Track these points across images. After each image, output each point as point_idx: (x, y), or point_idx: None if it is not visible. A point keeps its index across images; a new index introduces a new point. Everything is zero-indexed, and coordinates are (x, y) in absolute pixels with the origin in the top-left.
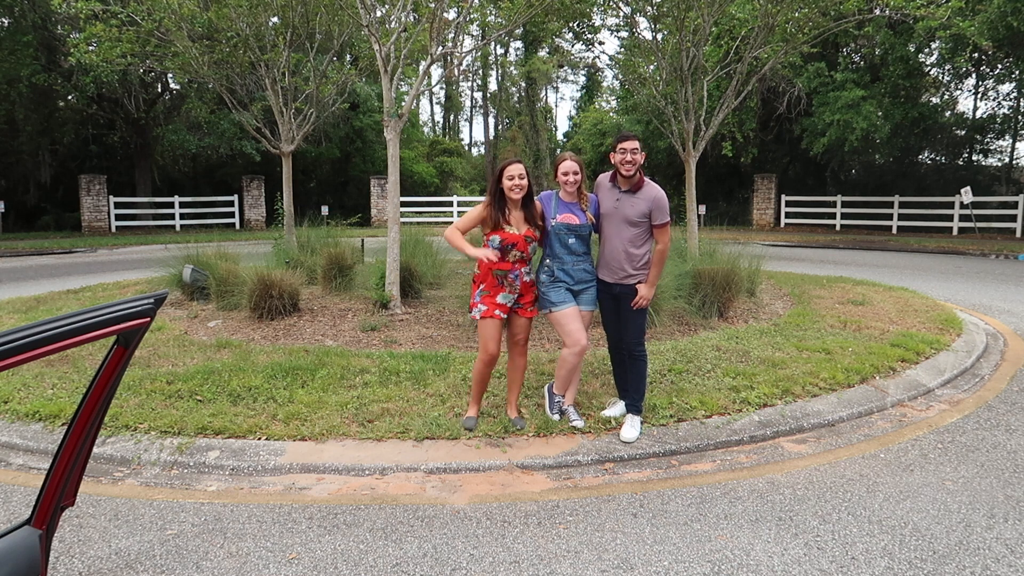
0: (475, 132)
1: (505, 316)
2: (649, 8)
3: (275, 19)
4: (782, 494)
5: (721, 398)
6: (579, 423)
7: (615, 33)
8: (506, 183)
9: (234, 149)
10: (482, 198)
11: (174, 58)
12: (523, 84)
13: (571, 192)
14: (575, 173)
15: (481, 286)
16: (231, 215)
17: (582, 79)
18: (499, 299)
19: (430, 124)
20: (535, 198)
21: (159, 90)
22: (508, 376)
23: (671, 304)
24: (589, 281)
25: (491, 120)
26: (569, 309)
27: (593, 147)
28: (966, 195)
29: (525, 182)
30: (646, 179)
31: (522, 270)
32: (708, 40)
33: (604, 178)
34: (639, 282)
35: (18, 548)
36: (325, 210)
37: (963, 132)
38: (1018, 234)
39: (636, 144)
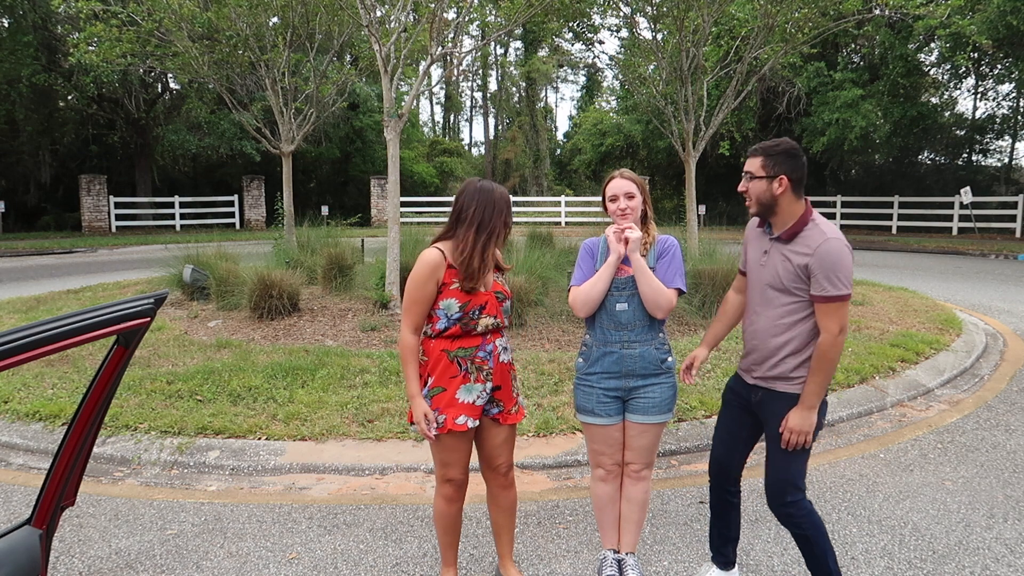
0: (475, 132)
1: (476, 423)
2: (649, 8)
3: (275, 19)
4: None
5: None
6: None
7: (615, 33)
8: (609, 205)
9: (234, 149)
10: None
11: (174, 58)
12: (523, 84)
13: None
14: (628, 196)
15: (428, 379)
16: (231, 215)
17: (582, 79)
18: (461, 396)
19: (430, 124)
20: (585, 244)
21: (159, 90)
22: (492, 519)
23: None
24: (654, 375)
25: (491, 120)
26: (596, 424)
27: (593, 147)
28: (966, 195)
29: (635, 202)
30: (815, 216)
31: (497, 343)
32: (708, 40)
33: (753, 223)
34: (797, 389)
35: (18, 548)
36: (325, 210)
37: (963, 132)
38: (1018, 234)
39: (755, 164)
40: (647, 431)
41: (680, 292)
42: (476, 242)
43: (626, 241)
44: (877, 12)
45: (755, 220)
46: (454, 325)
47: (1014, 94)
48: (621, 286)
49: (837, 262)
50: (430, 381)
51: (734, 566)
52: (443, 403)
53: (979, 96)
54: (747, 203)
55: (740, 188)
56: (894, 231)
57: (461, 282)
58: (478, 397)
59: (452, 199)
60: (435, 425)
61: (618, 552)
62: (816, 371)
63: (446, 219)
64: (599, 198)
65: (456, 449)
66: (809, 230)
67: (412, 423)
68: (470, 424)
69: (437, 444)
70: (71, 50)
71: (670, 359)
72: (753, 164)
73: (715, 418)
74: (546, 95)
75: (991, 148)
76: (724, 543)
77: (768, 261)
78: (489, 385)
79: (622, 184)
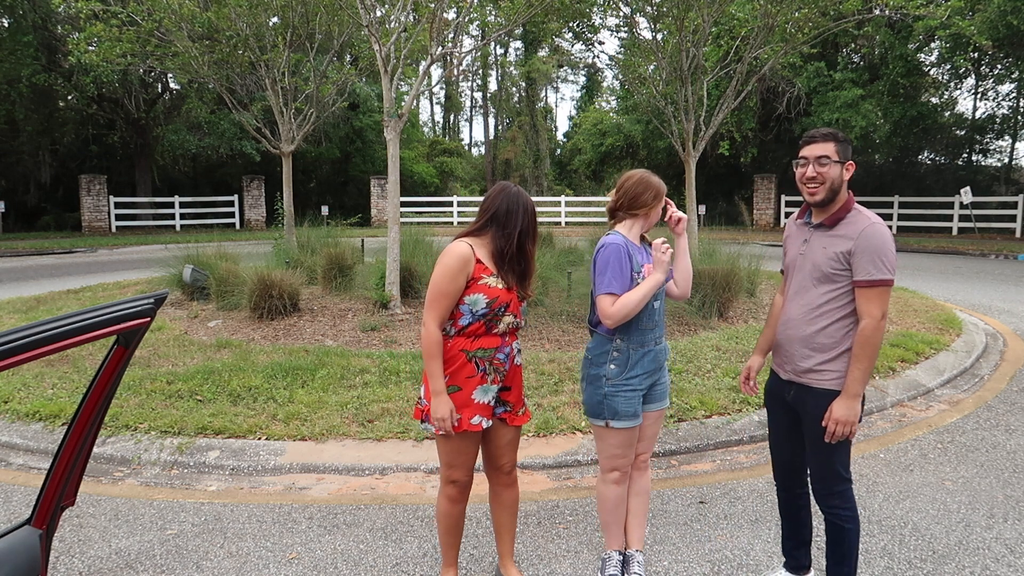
0: (475, 132)
1: (489, 423)
2: (649, 8)
3: (275, 19)
4: None
5: (721, 398)
6: None
7: (615, 33)
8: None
9: (234, 149)
10: (479, 199)
11: (174, 58)
12: (523, 84)
13: (651, 227)
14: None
15: (444, 378)
16: (231, 215)
17: (582, 79)
18: (476, 396)
19: (430, 124)
20: (600, 244)
21: (159, 90)
22: (493, 518)
23: (670, 304)
24: (663, 364)
25: (491, 120)
26: (634, 427)
27: (593, 147)
28: (966, 195)
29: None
30: (857, 205)
31: (514, 345)
32: (708, 40)
33: (792, 219)
34: (829, 384)
35: (18, 548)
36: (325, 210)
37: (963, 132)
38: (1018, 234)
39: (829, 148)
40: (660, 416)
41: None
42: (516, 241)
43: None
44: (877, 12)
45: (794, 216)
46: (477, 321)
47: (1014, 94)
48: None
49: (882, 246)
50: (446, 379)
51: (809, 571)
52: (458, 403)
53: (979, 96)
54: (813, 189)
55: (810, 174)
56: (894, 231)
57: (504, 278)
58: (492, 398)
59: (451, 199)
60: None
61: (626, 551)
62: (859, 358)
63: (446, 219)
64: (599, 198)
65: (464, 451)
66: (852, 216)
67: (422, 420)
68: (484, 424)
69: (446, 445)
70: (71, 50)
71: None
72: (828, 148)
73: (715, 418)
74: (546, 95)
75: (991, 148)
76: (797, 546)
77: (808, 250)
78: (499, 388)
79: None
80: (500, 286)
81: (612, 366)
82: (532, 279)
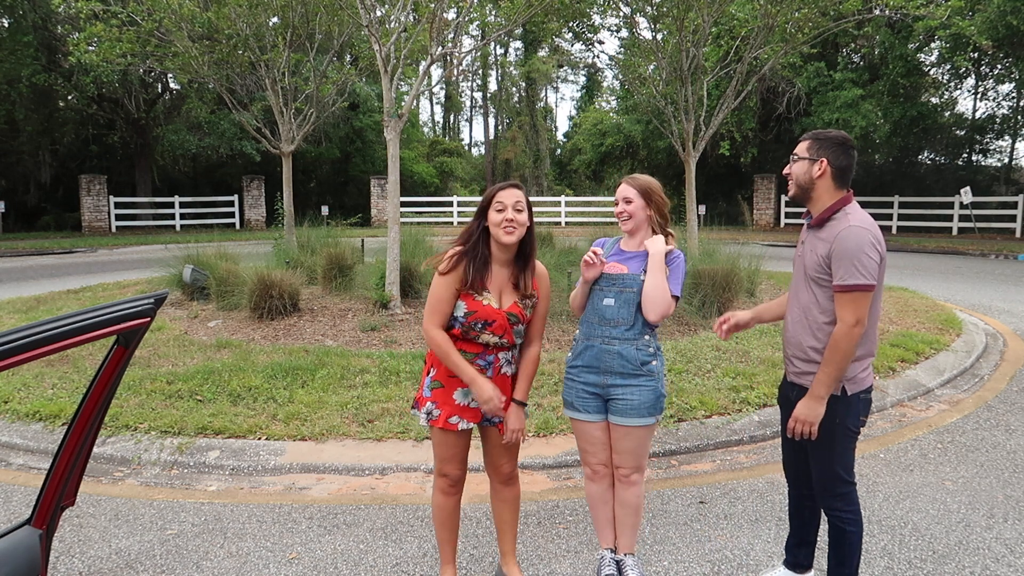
0: (475, 132)
1: (473, 425)
2: (649, 8)
3: (275, 19)
4: (782, 494)
5: (721, 398)
6: None
7: (615, 33)
8: (493, 217)
9: (234, 149)
10: (479, 199)
11: (174, 58)
12: (523, 84)
13: (631, 229)
14: (625, 200)
15: (432, 371)
16: (231, 215)
17: (582, 79)
18: (457, 397)
19: (430, 124)
20: (593, 246)
21: (159, 90)
22: (495, 515)
23: None
24: (633, 375)
25: (491, 120)
26: (578, 420)
27: (593, 147)
28: (966, 195)
29: (524, 217)
30: (850, 207)
31: (500, 355)
32: (708, 40)
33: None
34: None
35: (18, 548)
36: (325, 210)
37: (963, 132)
38: (1018, 234)
39: (802, 145)
40: (629, 434)
41: (675, 299)
42: (462, 241)
43: (586, 264)
44: (877, 12)
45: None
46: (455, 327)
47: (1014, 94)
48: (610, 282)
49: (857, 249)
50: (433, 372)
51: (809, 570)
52: (440, 400)
53: (979, 96)
54: (789, 186)
55: (784, 171)
56: (894, 231)
57: (475, 289)
58: (472, 401)
59: (451, 199)
60: (431, 416)
61: (616, 552)
62: (827, 361)
63: (446, 219)
64: (599, 198)
65: (453, 445)
66: (838, 217)
67: (412, 406)
68: (462, 426)
69: (435, 439)
70: (71, 50)
71: (654, 363)
72: (801, 146)
73: (715, 418)
74: (546, 95)
75: (991, 148)
76: (799, 544)
77: (803, 251)
78: None
79: (621, 189)
80: (483, 301)
81: (570, 352)
82: (527, 273)
